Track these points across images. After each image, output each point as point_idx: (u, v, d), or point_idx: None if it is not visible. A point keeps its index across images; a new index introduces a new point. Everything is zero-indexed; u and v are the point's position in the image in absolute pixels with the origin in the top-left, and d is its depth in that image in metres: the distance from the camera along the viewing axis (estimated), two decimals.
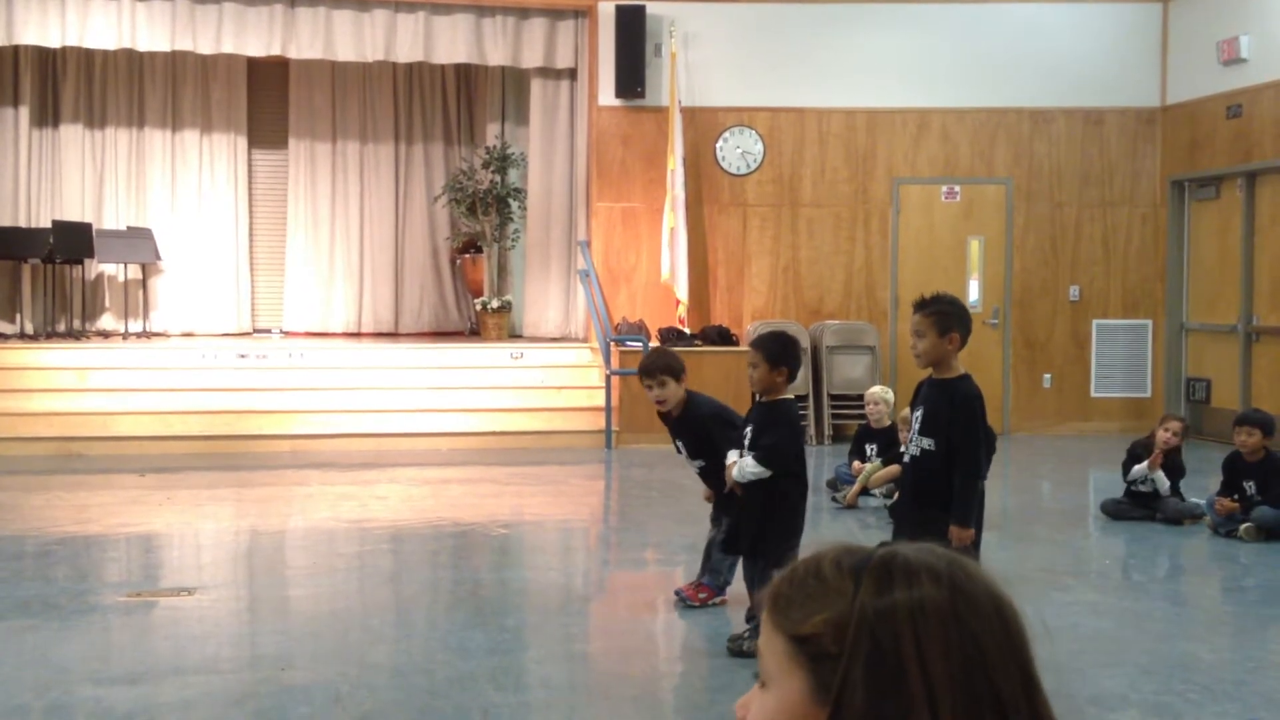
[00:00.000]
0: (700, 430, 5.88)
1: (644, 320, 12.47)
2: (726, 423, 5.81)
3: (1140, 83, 13.08)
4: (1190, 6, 12.70)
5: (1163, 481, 8.16)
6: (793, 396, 5.53)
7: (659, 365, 5.84)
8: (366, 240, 14.79)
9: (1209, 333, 12.57)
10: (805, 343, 12.14)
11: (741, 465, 5.30)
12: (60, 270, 13.59)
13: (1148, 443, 8.41)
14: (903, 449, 6.22)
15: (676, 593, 6.09)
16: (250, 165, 14.81)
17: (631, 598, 6.55)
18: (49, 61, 14.07)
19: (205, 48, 12.97)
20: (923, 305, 4.87)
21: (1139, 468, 8.22)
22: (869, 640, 1.10)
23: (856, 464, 9.06)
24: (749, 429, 5.40)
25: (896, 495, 8.31)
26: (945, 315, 4.80)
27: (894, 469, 8.16)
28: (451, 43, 13.20)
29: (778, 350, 5.35)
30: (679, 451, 6.07)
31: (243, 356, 12.57)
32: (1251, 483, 7.72)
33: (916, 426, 4.88)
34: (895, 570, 1.13)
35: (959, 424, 4.75)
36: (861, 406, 9.76)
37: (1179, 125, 12.85)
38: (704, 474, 6.01)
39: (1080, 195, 13.15)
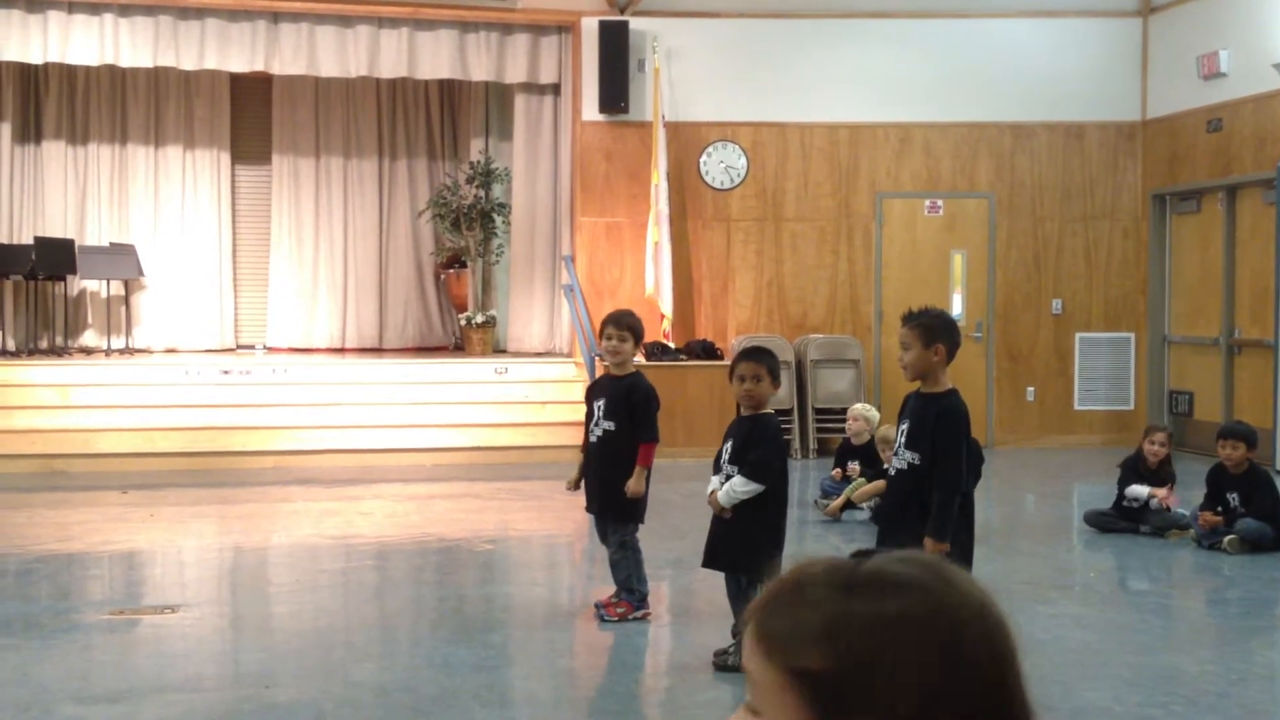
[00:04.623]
0: (639, 399, 5.97)
1: None
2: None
3: (1121, 97, 13.15)
4: (1170, 21, 12.79)
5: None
6: (773, 410, 5.55)
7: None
8: (350, 255, 14.75)
9: (1191, 346, 12.63)
10: (789, 357, 12.19)
11: (730, 488, 5.22)
12: (42, 287, 13.53)
13: (1137, 459, 8.42)
14: (886, 466, 6.22)
15: (596, 605, 6.12)
16: (234, 181, 14.76)
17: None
18: (31, 78, 14.02)
19: (188, 64, 12.94)
20: (910, 318, 4.87)
21: (1136, 489, 8.21)
22: (855, 655, 1.09)
23: (837, 471, 9.11)
24: (728, 444, 5.38)
25: (876, 502, 8.37)
26: (930, 328, 4.80)
27: (879, 484, 8.18)
28: (435, 58, 13.20)
29: (777, 365, 5.44)
30: (594, 414, 6.10)
31: (226, 373, 12.53)
32: (1235, 495, 7.75)
33: (902, 440, 4.87)
34: (882, 582, 1.13)
35: (941, 439, 4.75)
36: (845, 420, 9.79)
37: (1159, 139, 12.92)
38: (602, 442, 6.03)
39: (1062, 209, 13.20)
